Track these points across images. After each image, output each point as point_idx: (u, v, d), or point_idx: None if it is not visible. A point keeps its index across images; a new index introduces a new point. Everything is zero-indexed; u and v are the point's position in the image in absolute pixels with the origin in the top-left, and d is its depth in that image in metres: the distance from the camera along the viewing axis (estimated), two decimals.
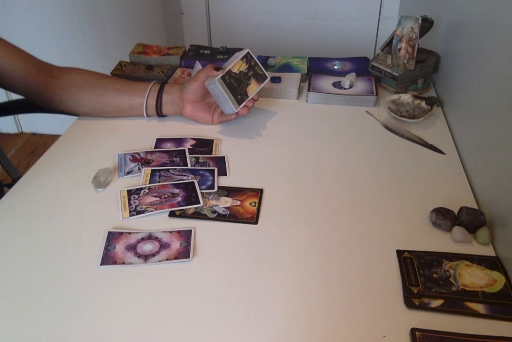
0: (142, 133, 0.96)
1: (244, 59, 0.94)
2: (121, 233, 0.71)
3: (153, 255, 0.68)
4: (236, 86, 0.92)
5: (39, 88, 0.96)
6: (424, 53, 1.08)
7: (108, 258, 0.67)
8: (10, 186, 0.85)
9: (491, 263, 0.66)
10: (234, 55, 0.97)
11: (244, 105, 0.93)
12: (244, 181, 0.83)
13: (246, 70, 0.94)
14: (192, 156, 0.89)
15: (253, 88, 0.94)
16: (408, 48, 1.02)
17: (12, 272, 0.66)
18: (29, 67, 0.94)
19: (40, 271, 0.66)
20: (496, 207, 0.73)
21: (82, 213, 0.76)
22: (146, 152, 0.90)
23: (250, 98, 0.94)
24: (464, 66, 0.97)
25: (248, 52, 0.95)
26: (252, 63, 0.95)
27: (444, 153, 0.91)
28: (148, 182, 0.82)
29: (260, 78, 0.96)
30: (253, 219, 0.75)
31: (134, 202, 0.77)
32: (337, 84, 1.11)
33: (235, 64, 0.93)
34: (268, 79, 0.97)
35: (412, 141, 0.94)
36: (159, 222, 0.74)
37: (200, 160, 0.88)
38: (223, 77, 0.90)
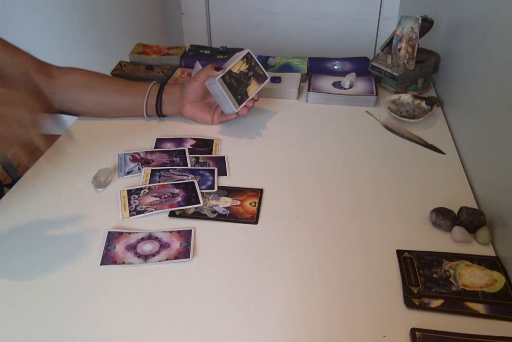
0: (142, 133, 0.96)
1: (245, 59, 0.94)
2: (121, 233, 0.71)
3: (153, 255, 0.68)
4: (236, 86, 0.92)
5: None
6: (424, 53, 1.08)
7: (108, 258, 0.67)
8: (10, 186, 0.85)
9: (491, 263, 0.66)
10: (234, 55, 0.97)
11: (244, 106, 0.93)
12: (244, 181, 0.83)
13: (247, 70, 0.94)
14: (192, 156, 0.89)
15: (253, 89, 0.94)
16: (408, 48, 1.02)
17: (12, 272, 0.66)
18: (28, 67, 0.94)
19: (40, 271, 0.66)
20: (496, 207, 0.73)
21: (82, 213, 0.76)
22: (146, 152, 0.90)
23: (250, 98, 0.94)
24: (464, 66, 0.97)
25: (249, 52, 0.95)
26: (253, 64, 0.95)
27: (444, 153, 0.91)
28: (148, 182, 0.82)
29: (260, 78, 0.96)
30: (253, 219, 0.75)
31: (134, 202, 0.77)
32: (337, 84, 1.11)
33: (236, 64, 0.93)
34: (268, 79, 0.97)
35: (412, 141, 0.94)
36: (159, 222, 0.74)
37: (200, 160, 0.88)
38: (223, 77, 0.90)
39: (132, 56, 1.19)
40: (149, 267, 0.66)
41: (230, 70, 0.92)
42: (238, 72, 0.93)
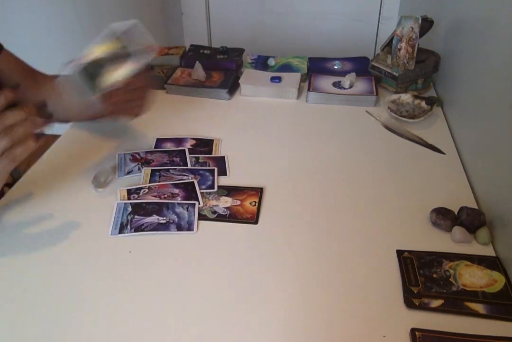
0: (142, 133, 0.96)
1: (112, 39, 0.76)
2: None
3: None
4: (95, 73, 0.72)
5: (24, 95, 0.92)
6: (424, 53, 1.08)
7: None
8: (10, 185, 0.85)
9: (491, 263, 0.66)
10: (100, 35, 0.75)
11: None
12: (244, 181, 0.83)
13: (113, 53, 0.75)
14: (192, 156, 0.89)
15: (121, 71, 0.74)
16: (408, 48, 1.02)
17: (12, 271, 0.66)
18: (15, 72, 0.91)
19: (40, 270, 0.66)
20: (496, 207, 0.73)
21: (82, 212, 0.76)
22: (146, 152, 0.90)
23: (116, 81, 0.73)
24: (464, 66, 0.97)
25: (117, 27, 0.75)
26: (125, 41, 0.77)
27: (444, 153, 0.91)
28: (148, 181, 0.82)
29: (140, 56, 0.78)
30: (253, 219, 0.75)
31: None
32: (337, 84, 1.11)
33: (95, 51, 0.73)
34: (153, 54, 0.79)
35: (412, 141, 0.94)
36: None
37: (200, 160, 0.88)
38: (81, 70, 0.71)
39: None
40: (149, 272, 0.66)
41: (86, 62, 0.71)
42: (99, 58, 0.73)
